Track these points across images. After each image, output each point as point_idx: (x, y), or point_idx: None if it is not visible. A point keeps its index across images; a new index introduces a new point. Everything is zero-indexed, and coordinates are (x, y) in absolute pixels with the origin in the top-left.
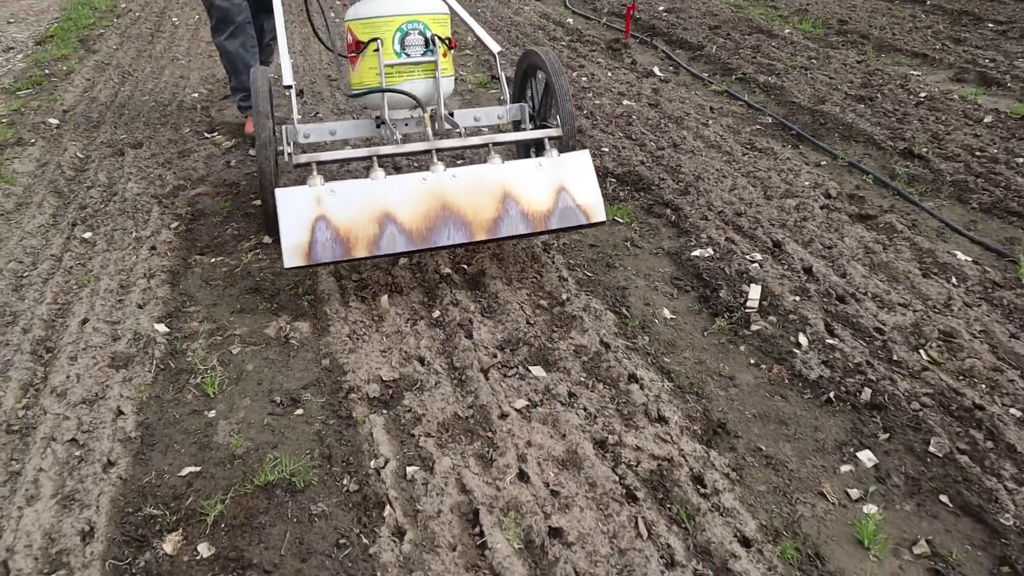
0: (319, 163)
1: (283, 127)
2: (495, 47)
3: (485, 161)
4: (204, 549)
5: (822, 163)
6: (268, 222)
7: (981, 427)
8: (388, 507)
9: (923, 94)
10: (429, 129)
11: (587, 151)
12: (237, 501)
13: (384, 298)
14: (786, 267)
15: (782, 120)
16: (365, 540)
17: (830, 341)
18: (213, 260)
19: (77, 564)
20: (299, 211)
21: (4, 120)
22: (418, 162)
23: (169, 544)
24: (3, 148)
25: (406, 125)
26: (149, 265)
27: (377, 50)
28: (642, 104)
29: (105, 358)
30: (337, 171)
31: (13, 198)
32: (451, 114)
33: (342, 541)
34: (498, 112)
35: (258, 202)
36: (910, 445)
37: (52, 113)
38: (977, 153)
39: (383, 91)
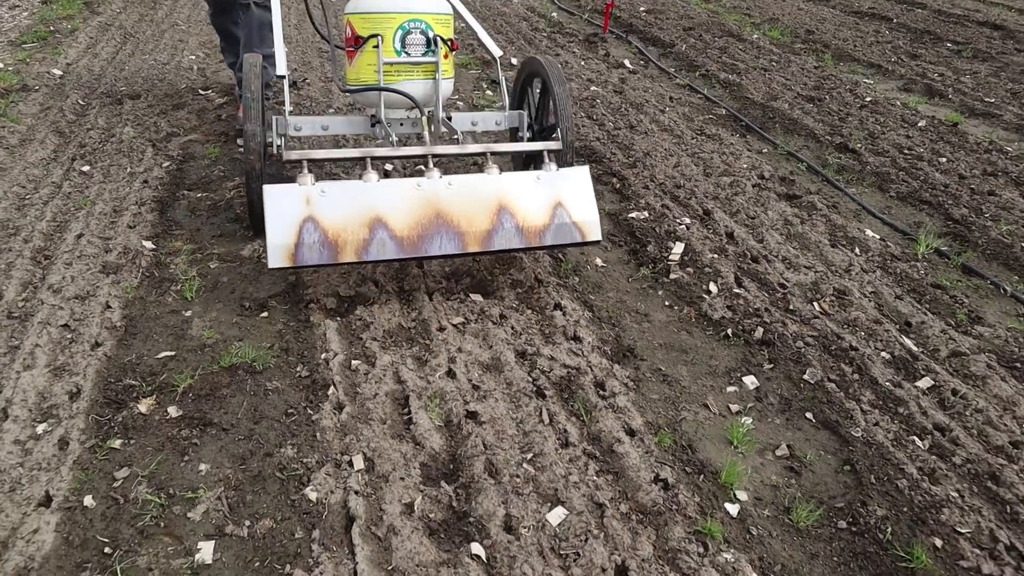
0: (311, 161)
1: (274, 118)
2: (496, 51)
3: (482, 170)
4: (173, 411)
5: (763, 151)
6: (252, 216)
7: (852, 363)
8: (332, 388)
9: (868, 99)
10: (426, 132)
11: (586, 167)
12: (204, 378)
13: None
14: (711, 231)
15: (735, 112)
16: (310, 411)
17: (737, 291)
18: (199, 195)
19: (64, 416)
20: (287, 210)
21: (10, 69)
22: (412, 165)
23: (144, 406)
24: (8, 92)
25: (401, 125)
26: (141, 195)
27: (377, 47)
28: (608, 90)
29: (97, 265)
30: (328, 169)
31: (17, 135)
32: (449, 118)
33: (290, 411)
34: (496, 118)
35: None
36: (789, 374)
37: (55, 65)
38: (905, 151)
39: (380, 90)
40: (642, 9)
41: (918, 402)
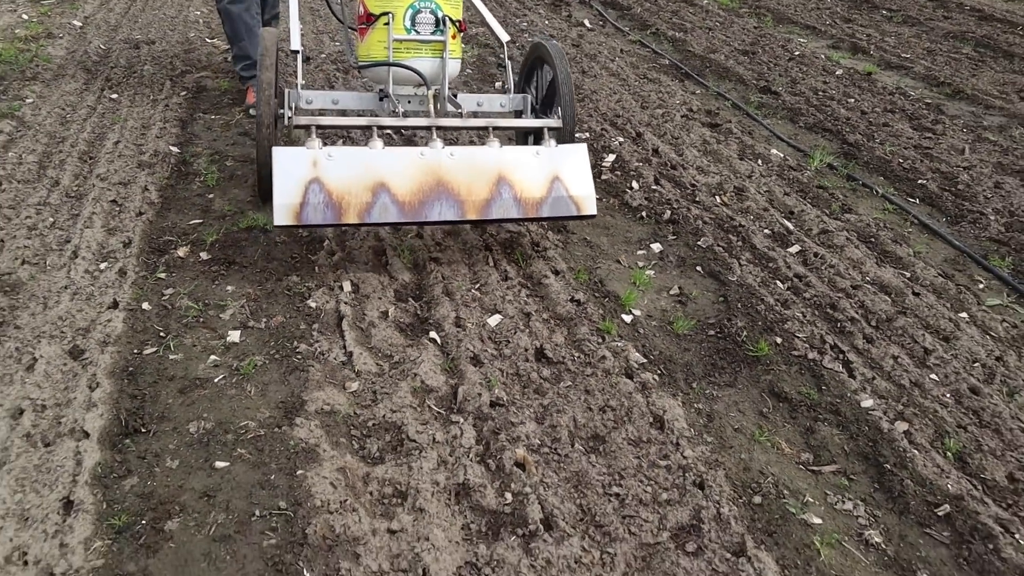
0: (319, 127)
1: (286, 90)
2: (504, 36)
3: (484, 143)
4: (204, 255)
5: (696, 92)
6: (261, 183)
7: (738, 235)
8: (327, 241)
9: (797, 53)
10: (432, 108)
11: (584, 145)
12: (227, 235)
13: None
14: (639, 147)
15: (676, 63)
16: (310, 255)
17: (654, 188)
18: (213, 116)
19: (120, 257)
20: (294, 171)
21: (35, 20)
22: (417, 137)
23: (181, 252)
24: (37, 38)
25: (408, 102)
26: (164, 115)
27: (388, 24)
28: (566, 44)
29: (134, 163)
30: (334, 138)
31: (51, 71)
32: (455, 95)
33: (294, 255)
34: (501, 100)
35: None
36: (687, 242)
37: (75, 17)
38: (819, 93)
39: (390, 65)
40: None
41: (785, 260)
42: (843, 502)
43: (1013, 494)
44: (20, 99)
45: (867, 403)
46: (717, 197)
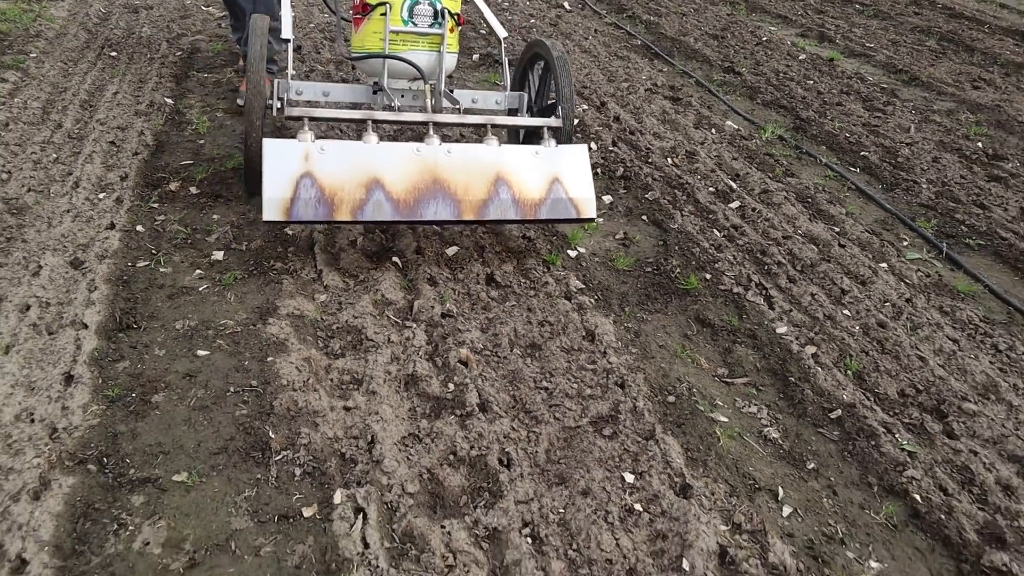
0: (312, 119)
1: (276, 80)
2: (502, 32)
3: (482, 141)
4: (193, 189)
5: (663, 70)
6: (248, 174)
7: (684, 191)
8: None
9: (764, 38)
10: (428, 102)
11: (585, 146)
12: (215, 173)
13: None
14: (602, 115)
15: (648, 43)
16: None
17: (611, 149)
18: (206, 75)
19: (118, 188)
20: (285, 164)
21: None
22: (412, 133)
23: (173, 186)
24: (39, 0)
25: (402, 96)
26: (160, 71)
27: (384, 15)
28: (544, 23)
29: (131, 111)
30: (326, 131)
31: (54, 30)
32: (451, 91)
33: None
34: (497, 97)
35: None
36: (636, 196)
37: None
38: (780, 75)
39: (386, 57)
40: None
41: (724, 213)
42: (749, 407)
43: (900, 405)
44: (24, 54)
45: (782, 330)
46: (669, 159)
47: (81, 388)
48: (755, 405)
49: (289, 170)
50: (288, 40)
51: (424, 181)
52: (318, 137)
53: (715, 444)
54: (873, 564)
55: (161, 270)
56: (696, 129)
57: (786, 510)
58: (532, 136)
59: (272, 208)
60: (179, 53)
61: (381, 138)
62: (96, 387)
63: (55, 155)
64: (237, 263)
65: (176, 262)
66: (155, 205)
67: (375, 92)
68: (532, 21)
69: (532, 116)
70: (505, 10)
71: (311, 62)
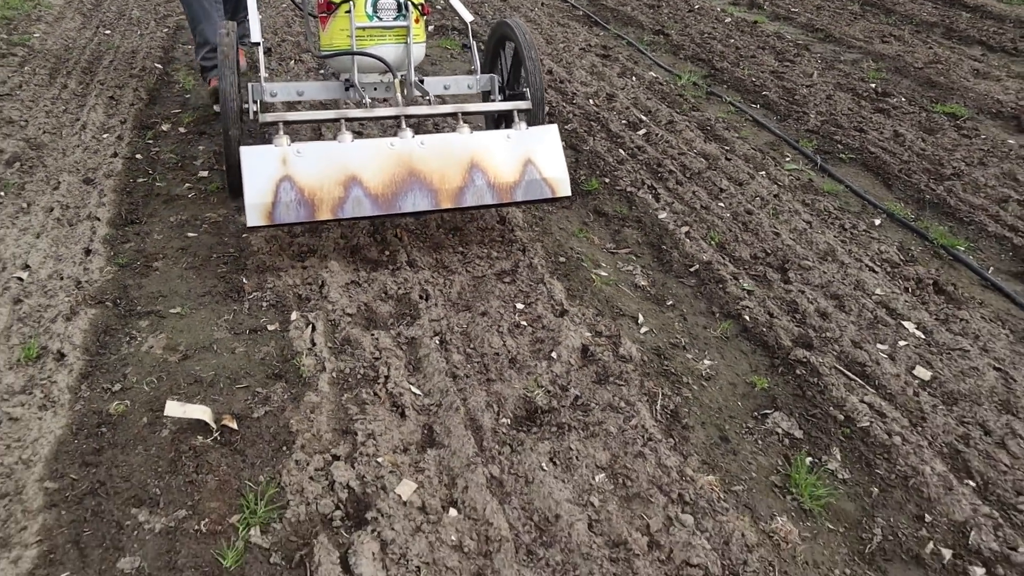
0: (286, 123)
1: (249, 84)
2: (468, 16)
3: (454, 130)
4: (182, 129)
5: (599, 35)
6: (231, 180)
7: (599, 123)
8: None
9: (697, 6)
10: (399, 95)
11: (555, 126)
12: (200, 117)
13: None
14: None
15: (588, 13)
16: None
17: None
18: (190, 46)
19: (118, 130)
20: (264, 171)
21: None
22: (385, 127)
23: (165, 127)
24: None
25: (375, 89)
26: (150, 44)
27: (349, 12)
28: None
29: (126, 74)
30: (303, 132)
31: (53, 13)
32: (421, 81)
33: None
34: (468, 82)
35: None
36: (559, 128)
37: None
38: (704, 35)
39: (353, 54)
40: None
41: (631, 138)
42: (626, 266)
43: (750, 263)
44: (28, 34)
45: (663, 215)
46: (591, 100)
47: (97, 258)
48: (632, 265)
49: (268, 175)
50: (258, 44)
51: (400, 174)
52: (295, 139)
53: (592, 286)
54: (706, 362)
55: (157, 184)
56: (619, 78)
57: (643, 329)
58: (506, 118)
59: (255, 213)
60: (165, 30)
61: (356, 135)
62: (109, 258)
63: (64, 107)
64: (218, 179)
65: (169, 179)
66: (150, 141)
67: (347, 89)
68: None
69: (505, 96)
70: None
71: (280, 59)
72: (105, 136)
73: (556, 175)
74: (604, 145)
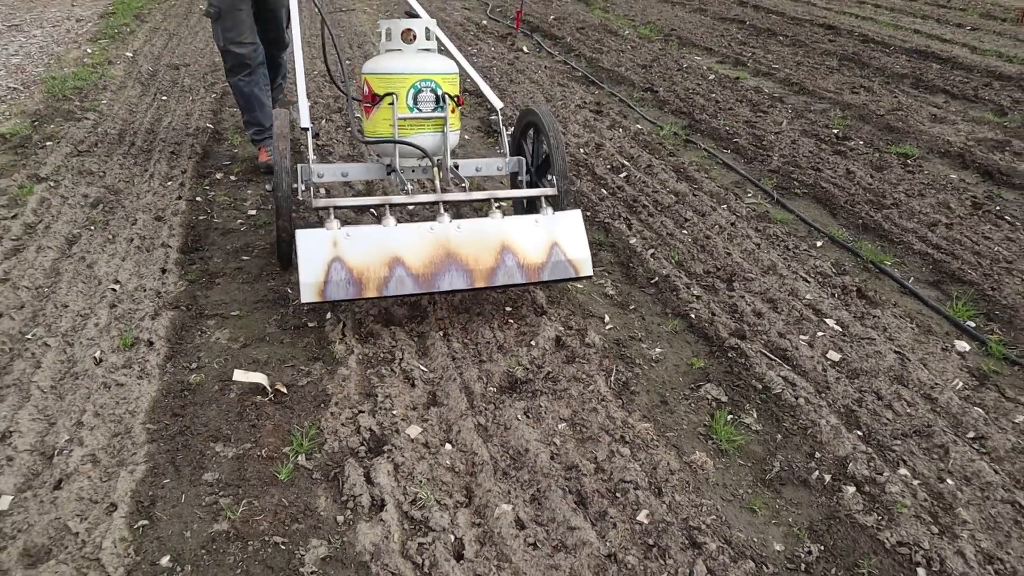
0: (337, 208)
1: (298, 166)
2: (498, 103)
3: (487, 214)
4: (232, 177)
5: (594, 93)
6: (281, 254)
7: (587, 167)
8: None
9: (685, 65)
10: (436, 179)
11: (578, 211)
12: (247, 168)
13: None
14: None
15: (586, 74)
16: None
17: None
18: (235, 110)
19: (180, 178)
20: (317, 252)
21: (98, 52)
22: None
23: (218, 175)
24: (102, 64)
25: (413, 172)
26: (201, 108)
27: (392, 104)
28: (504, 63)
29: (183, 133)
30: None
31: (115, 84)
32: (456, 166)
33: None
34: (498, 164)
35: None
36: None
37: (127, 51)
38: (689, 91)
39: (395, 142)
40: (552, 17)
41: (613, 180)
42: (598, 280)
43: (701, 276)
44: (97, 101)
45: (633, 241)
46: (581, 149)
47: (171, 275)
48: (604, 280)
49: (321, 256)
50: (307, 129)
51: (439, 256)
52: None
53: (568, 294)
54: (657, 349)
55: (214, 220)
56: (608, 130)
57: (608, 325)
58: (533, 201)
59: (308, 291)
60: (214, 95)
61: (398, 219)
62: (180, 275)
63: (133, 161)
64: (266, 216)
65: (224, 216)
66: (207, 187)
67: (389, 173)
68: (494, 62)
69: (531, 176)
70: (473, 55)
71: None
72: (169, 183)
73: (580, 256)
74: (589, 186)
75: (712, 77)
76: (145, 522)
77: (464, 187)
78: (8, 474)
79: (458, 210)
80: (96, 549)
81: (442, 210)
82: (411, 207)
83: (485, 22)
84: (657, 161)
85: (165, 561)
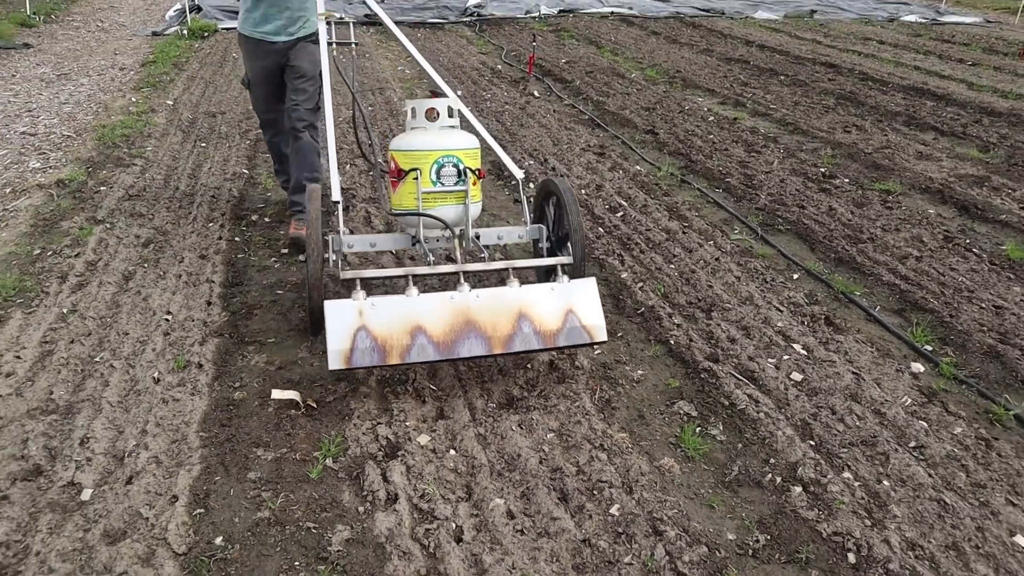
0: (362, 279)
1: (329, 237)
2: (519, 173)
3: (505, 283)
4: (267, 219)
5: (599, 135)
6: (312, 322)
7: (586, 207)
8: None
9: (687, 107)
10: (457, 250)
11: (593, 279)
12: (279, 211)
13: None
14: (542, 166)
15: (592, 117)
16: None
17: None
18: (268, 155)
19: (219, 220)
20: (344, 322)
21: (141, 100)
22: (446, 279)
23: (254, 217)
24: (146, 112)
25: (437, 241)
26: (237, 153)
27: (416, 178)
28: (515, 107)
29: (221, 177)
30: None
31: (159, 131)
32: (477, 236)
33: None
34: (519, 232)
35: None
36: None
37: (167, 99)
38: (687, 132)
39: (419, 215)
40: (563, 61)
41: (609, 219)
42: None
43: (684, 307)
44: (143, 148)
45: (624, 275)
46: (583, 191)
47: (216, 307)
48: None
49: (347, 326)
50: (338, 202)
51: (459, 323)
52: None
53: None
54: (639, 372)
55: (251, 258)
56: (609, 172)
57: (596, 351)
58: (554, 268)
59: (335, 358)
60: (248, 142)
61: (422, 289)
62: (223, 307)
63: (179, 204)
64: (298, 252)
65: (260, 254)
66: (244, 228)
67: (414, 244)
68: (506, 106)
69: (551, 243)
70: (486, 100)
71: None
72: (211, 224)
73: (594, 323)
74: (587, 224)
75: (711, 119)
76: (201, 510)
77: (483, 257)
78: (88, 472)
79: (479, 278)
80: (163, 531)
81: (462, 280)
82: (434, 277)
83: (500, 66)
84: (652, 201)
85: (219, 541)
